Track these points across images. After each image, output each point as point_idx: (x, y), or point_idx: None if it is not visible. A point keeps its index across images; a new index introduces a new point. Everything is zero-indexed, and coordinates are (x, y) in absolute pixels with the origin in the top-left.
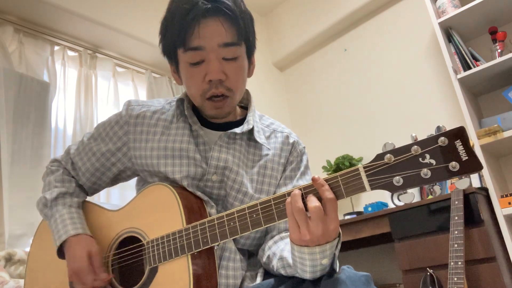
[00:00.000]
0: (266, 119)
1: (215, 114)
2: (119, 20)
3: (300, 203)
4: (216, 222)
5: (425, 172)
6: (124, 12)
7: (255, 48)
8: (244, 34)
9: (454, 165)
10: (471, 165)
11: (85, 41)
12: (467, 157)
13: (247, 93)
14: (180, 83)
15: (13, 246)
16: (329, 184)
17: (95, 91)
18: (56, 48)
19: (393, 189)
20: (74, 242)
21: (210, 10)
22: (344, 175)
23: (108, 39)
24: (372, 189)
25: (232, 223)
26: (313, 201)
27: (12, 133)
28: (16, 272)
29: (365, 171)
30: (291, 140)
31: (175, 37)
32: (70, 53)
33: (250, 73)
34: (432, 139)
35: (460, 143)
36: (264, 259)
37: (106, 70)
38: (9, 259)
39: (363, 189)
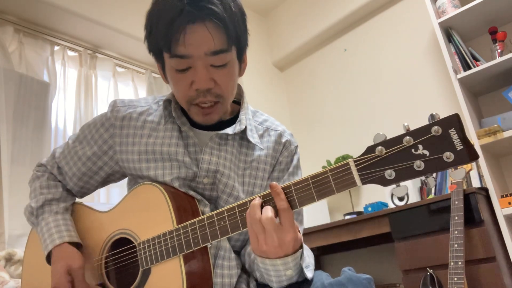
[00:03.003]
0: (260, 115)
1: (204, 121)
2: (119, 20)
3: (257, 214)
4: (206, 222)
5: (418, 164)
6: (124, 12)
7: (247, 45)
8: (234, 38)
9: (448, 156)
10: (467, 155)
11: (85, 41)
12: (462, 147)
13: (239, 87)
14: (166, 82)
15: (13, 246)
16: (319, 180)
17: (95, 91)
18: (56, 48)
19: (385, 183)
20: (56, 255)
21: (196, 16)
22: (334, 170)
23: (108, 39)
24: (363, 183)
25: (222, 223)
26: (265, 212)
27: (12, 133)
28: (16, 272)
29: (356, 165)
30: (283, 140)
31: (160, 41)
32: (70, 53)
33: (241, 72)
34: (425, 129)
35: (455, 132)
36: (247, 266)
37: (106, 70)
38: (9, 259)
39: (353, 184)
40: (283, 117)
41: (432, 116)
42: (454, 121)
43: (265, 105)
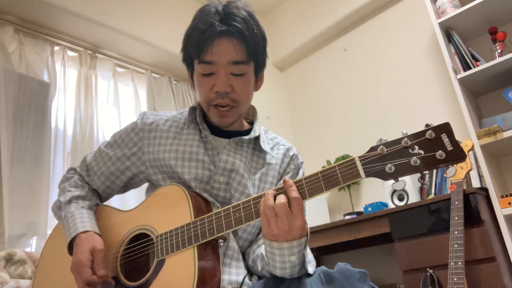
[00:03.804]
0: (270, 133)
1: (219, 122)
2: (119, 20)
3: (271, 201)
4: (222, 214)
5: (415, 160)
6: (124, 12)
7: (264, 66)
8: (253, 54)
9: (440, 154)
10: (456, 154)
11: (85, 41)
12: (452, 148)
13: (253, 109)
14: (193, 88)
15: (13, 246)
16: (327, 174)
17: (95, 91)
18: (56, 48)
19: (385, 176)
20: (82, 238)
21: (224, 31)
22: (342, 165)
23: (108, 39)
24: (366, 176)
25: (237, 214)
26: (279, 199)
27: (12, 133)
28: (16, 272)
29: (360, 161)
30: (291, 153)
31: (193, 50)
32: (70, 53)
33: (257, 88)
34: (421, 133)
35: (446, 136)
36: (250, 262)
37: (106, 70)
38: (9, 259)
39: (358, 176)
40: (283, 117)
41: (427, 125)
42: (445, 127)
43: (265, 105)
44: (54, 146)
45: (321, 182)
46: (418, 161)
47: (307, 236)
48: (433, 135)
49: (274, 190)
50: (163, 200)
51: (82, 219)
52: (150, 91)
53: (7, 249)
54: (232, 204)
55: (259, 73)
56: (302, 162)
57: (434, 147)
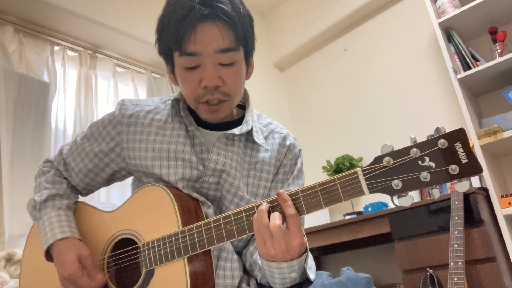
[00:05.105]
0: (264, 118)
1: (211, 118)
2: (119, 20)
3: (265, 220)
4: (212, 225)
5: (425, 175)
6: (124, 12)
7: (254, 50)
8: (242, 38)
9: (454, 168)
10: (471, 168)
11: (85, 41)
12: (467, 160)
13: (244, 91)
14: (176, 84)
15: (13, 246)
16: (327, 187)
17: (95, 91)
18: (56, 48)
19: (392, 192)
20: (61, 246)
21: (207, 15)
22: (342, 178)
23: (108, 39)
24: (370, 192)
25: (229, 226)
26: (274, 219)
27: (12, 133)
28: (16, 272)
29: (364, 174)
30: (287, 142)
31: (171, 41)
32: (70, 53)
33: (248, 76)
34: (432, 142)
35: (460, 146)
36: (247, 265)
37: (106, 70)
38: (9, 259)
39: (361, 192)
40: (283, 117)
41: (437, 129)
42: (460, 135)
43: (265, 105)
44: (54, 146)
45: (320, 197)
46: (429, 176)
47: (306, 251)
48: (446, 144)
49: (267, 202)
50: (148, 203)
51: (60, 223)
52: (150, 91)
53: (7, 249)
54: (222, 215)
55: (249, 59)
56: (300, 150)
57: (447, 159)
